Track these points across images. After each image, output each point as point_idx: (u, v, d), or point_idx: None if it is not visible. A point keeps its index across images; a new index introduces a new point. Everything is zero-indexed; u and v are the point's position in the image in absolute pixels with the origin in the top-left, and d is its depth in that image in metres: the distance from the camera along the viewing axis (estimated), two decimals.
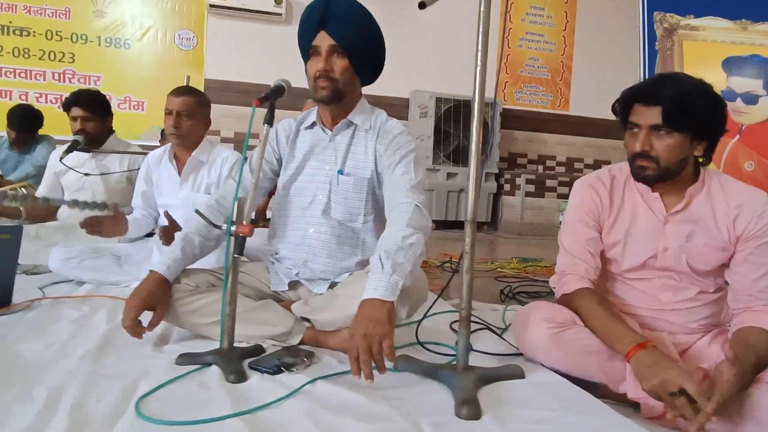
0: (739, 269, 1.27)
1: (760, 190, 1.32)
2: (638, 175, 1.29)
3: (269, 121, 1.22)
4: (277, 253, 1.52)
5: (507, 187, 5.74)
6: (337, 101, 1.44)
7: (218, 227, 1.20)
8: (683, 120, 1.20)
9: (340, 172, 1.47)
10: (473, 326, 1.61)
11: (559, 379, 1.20)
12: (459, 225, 5.43)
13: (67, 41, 5.10)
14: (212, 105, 5.89)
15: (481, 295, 2.43)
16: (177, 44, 5.25)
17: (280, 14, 5.26)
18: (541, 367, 1.25)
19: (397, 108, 5.68)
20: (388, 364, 1.09)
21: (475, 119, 1.14)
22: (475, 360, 1.28)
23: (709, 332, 1.33)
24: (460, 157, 5.61)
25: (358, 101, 1.51)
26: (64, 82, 5.03)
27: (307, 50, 1.44)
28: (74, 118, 2.41)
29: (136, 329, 1.22)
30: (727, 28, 1.93)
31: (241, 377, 1.09)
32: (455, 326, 1.60)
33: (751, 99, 1.89)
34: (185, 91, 2.02)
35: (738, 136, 1.88)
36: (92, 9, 5.12)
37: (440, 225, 5.36)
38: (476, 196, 1.13)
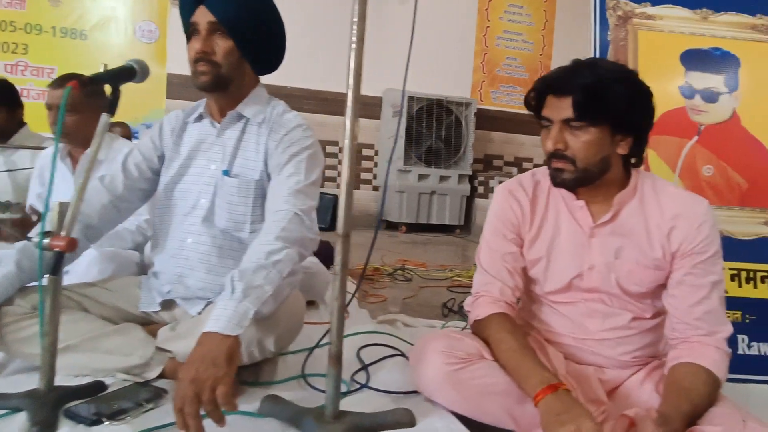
0: (675, 292, 1.07)
1: (699, 197, 1.12)
2: (555, 178, 1.08)
3: (109, 108, 1.00)
4: (153, 267, 1.30)
5: (481, 189, 5.54)
6: (221, 89, 1.23)
7: (27, 238, 0.98)
8: (598, 111, 1.00)
9: (225, 172, 1.26)
10: (386, 351, 1.40)
11: (456, 428, 0.99)
12: (431, 228, 5.23)
13: (21, 32, 4.85)
14: (174, 100, 5.61)
15: (424, 309, 2.23)
16: (138, 37, 5.00)
17: None
18: (440, 410, 1.04)
19: (371, 106, 5.49)
20: (250, 407, 0.88)
21: (349, 112, 0.92)
22: (364, 399, 1.08)
23: (646, 365, 1.13)
24: (432, 158, 5.41)
25: (250, 90, 1.29)
26: (16, 74, 4.78)
27: (188, 29, 1.23)
28: None
29: None
30: (686, 17, 1.74)
31: (48, 428, 0.87)
32: (365, 352, 1.38)
33: (710, 96, 1.70)
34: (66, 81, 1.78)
35: (696, 137, 1.68)
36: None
37: (411, 228, 5.16)
38: (349, 204, 0.92)
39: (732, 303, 1.58)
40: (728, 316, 1.57)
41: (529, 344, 1.06)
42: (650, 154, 1.68)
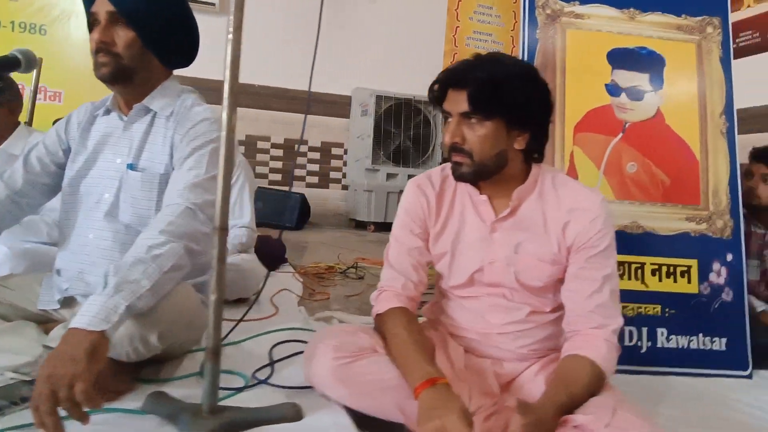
0: (571, 286, 1.08)
1: (595, 191, 1.13)
2: (454, 172, 1.09)
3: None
4: (55, 264, 1.27)
5: None
6: (124, 81, 1.21)
7: None
8: (492, 105, 1.01)
9: (130, 166, 1.23)
10: (298, 347, 1.39)
11: (343, 422, 0.98)
12: None
13: None
14: None
15: (367, 307, 2.22)
16: None
17: (213, 4, 4.99)
18: (332, 406, 1.03)
19: (340, 105, 5.47)
20: (134, 404, 0.86)
21: (226, 107, 0.91)
22: (261, 395, 1.06)
23: (543, 358, 1.13)
24: (401, 157, 5.41)
25: (158, 83, 1.27)
26: None
27: (89, 19, 1.21)
28: None
29: None
30: (613, 17, 1.77)
31: None
32: (278, 349, 1.37)
33: (636, 94, 1.72)
34: None
35: (621, 134, 1.70)
36: None
37: (379, 227, 5.15)
38: (225, 197, 0.91)
39: (652, 297, 1.61)
40: (649, 310, 1.61)
41: (422, 339, 1.06)
42: (576, 151, 1.70)
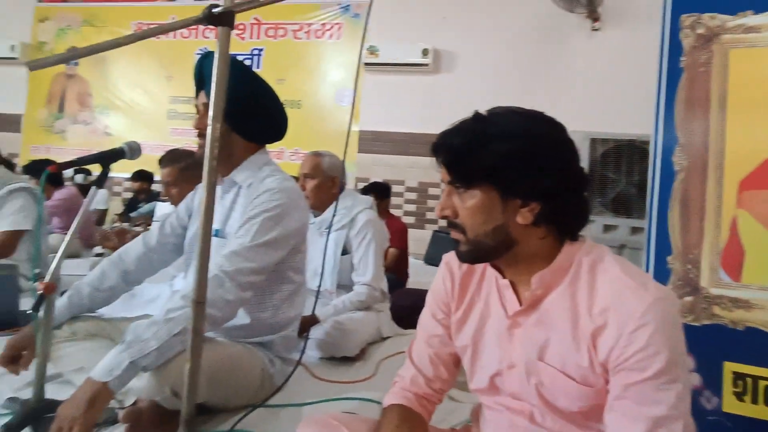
0: (606, 420, 0.76)
1: (648, 287, 0.77)
2: (455, 252, 0.90)
3: (98, 183, 1.28)
4: None
5: None
6: None
7: (27, 278, 1.29)
8: (468, 171, 0.81)
9: (217, 233, 1.42)
10: None
11: None
12: None
13: None
14: (364, 154, 6.52)
15: None
16: (337, 101, 5.84)
17: (427, 64, 5.39)
18: None
19: None
20: None
21: (207, 164, 0.97)
22: None
23: None
24: (621, 206, 4.70)
25: (245, 158, 1.45)
26: None
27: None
28: None
29: (9, 366, 1.38)
30: None
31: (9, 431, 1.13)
32: None
33: None
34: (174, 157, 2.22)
35: None
36: (275, 78, 6.12)
37: None
38: (203, 267, 0.95)
39: None
40: None
41: None
42: (741, 216, 1.20)
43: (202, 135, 1.40)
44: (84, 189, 4.71)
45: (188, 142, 5.98)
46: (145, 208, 4.57)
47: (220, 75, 0.98)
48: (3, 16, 6.28)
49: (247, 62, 6.03)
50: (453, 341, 0.99)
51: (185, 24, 0.98)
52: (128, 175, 5.50)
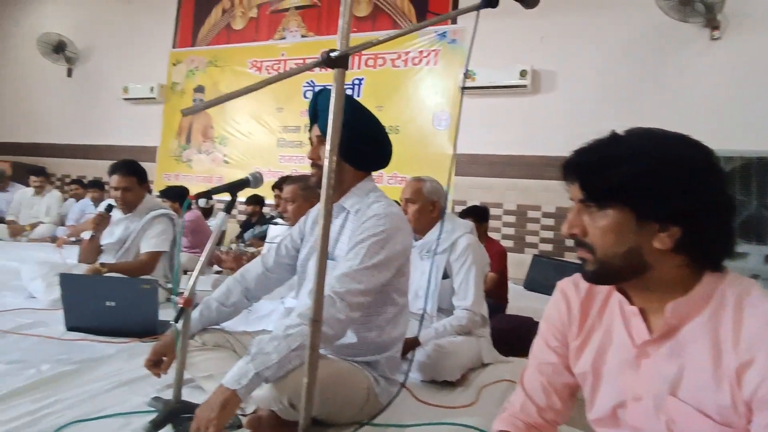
0: None
1: None
2: (581, 271, 0.89)
3: (227, 209, 1.43)
4: None
5: None
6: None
7: (169, 292, 1.46)
8: (603, 189, 0.80)
9: (328, 256, 1.52)
10: None
11: None
12: None
13: None
14: (461, 177, 6.57)
15: None
16: (435, 125, 5.93)
17: (525, 86, 5.31)
18: None
19: None
20: None
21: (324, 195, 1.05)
22: None
23: None
24: (752, 230, 4.23)
25: (352, 186, 1.55)
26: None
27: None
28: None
29: (151, 369, 1.57)
30: None
31: (153, 428, 1.28)
32: None
33: None
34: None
35: None
36: (374, 105, 6.37)
37: None
38: (321, 292, 1.03)
39: None
40: None
41: None
42: None
43: (315, 165, 1.52)
44: (205, 211, 5.25)
45: (295, 168, 6.41)
46: (257, 229, 4.96)
47: (336, 111, 1.07)
48: (146, 64, 7.25)
49: (349, 91, 6.36)
50: (571, 368, 0.97)
51: (307, 68, 1.10)
52: (243, 199, 6.02)
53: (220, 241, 5.19)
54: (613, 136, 0.85)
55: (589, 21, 5.13)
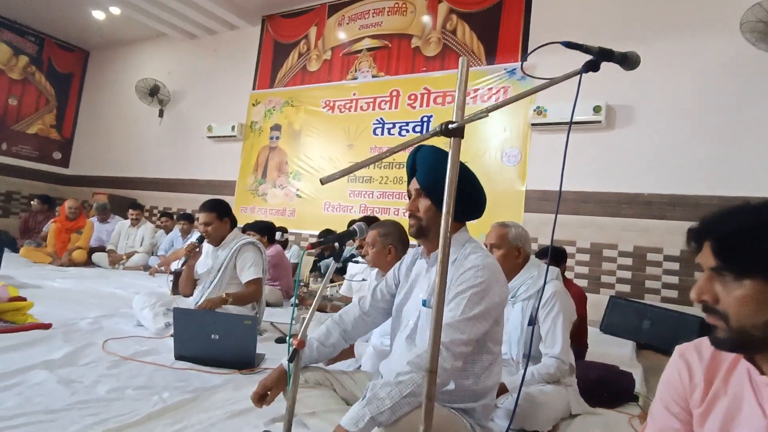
0: None
1: None
2: (709, 337, 0.90)
3: (336, 257, 1.55)
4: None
5: None
6: (423, 236, 1.62)
7: (283, 334, 1.58)
8: (743, 260, 0.82)
9: (424, 302, 1.60)
10: None
11: None
12: None
13: None
14: (531, 213, 6.44)
15: None
16: (504, 161, 5.95)
17: (599, 121, 5.24)
18: None
19: None
20: None
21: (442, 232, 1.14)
22: None
23: None
24: None
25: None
26: None
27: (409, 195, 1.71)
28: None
29: (256, 401, 1.69)
30: None
31: None
32: None
33: None
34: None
35: None
36: (443, 142, 6.47)
37: None
38: (436, 345, 1.10)
39: None
40: None
41: None
42: None
43: (413, 216, 1.62)
44: (283, 244, 5.51)
45: (363, 202, 6.62)
46: (325, 262, 5.16)
47: (451, 178, 1.16)
48: (228, 105, 7.84)
49: (417, 128, 6.53)
50: None
51: (425, 138, 1.21)
52: (315, 232, 6.25)
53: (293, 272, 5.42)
54: (748, 205, 0.86)
55: (668, 53, 5.03)
